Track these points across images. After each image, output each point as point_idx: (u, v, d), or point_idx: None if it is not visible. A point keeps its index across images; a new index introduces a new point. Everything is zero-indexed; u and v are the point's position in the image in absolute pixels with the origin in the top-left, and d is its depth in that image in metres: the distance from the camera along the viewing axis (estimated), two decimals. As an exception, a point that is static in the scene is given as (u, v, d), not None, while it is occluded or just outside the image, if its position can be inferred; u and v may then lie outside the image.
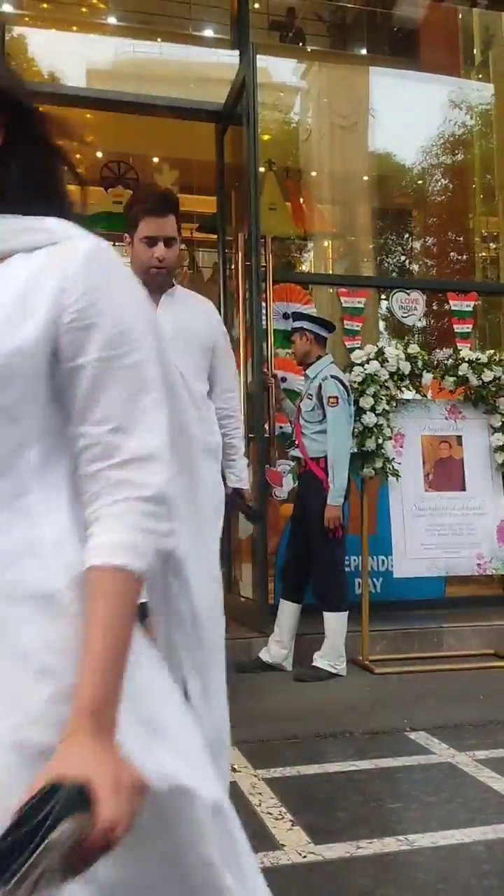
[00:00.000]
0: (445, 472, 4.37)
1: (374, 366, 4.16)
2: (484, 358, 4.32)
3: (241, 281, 5.19)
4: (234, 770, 2.73)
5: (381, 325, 8.56)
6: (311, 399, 4.06)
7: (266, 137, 10.86)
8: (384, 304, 9.59)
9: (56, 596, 0.82)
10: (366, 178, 10.39)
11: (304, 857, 2.11)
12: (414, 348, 4.25)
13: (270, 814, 2.37)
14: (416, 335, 6.13)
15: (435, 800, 2.51)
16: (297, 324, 4.20)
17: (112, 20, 10.21)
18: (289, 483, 4.80)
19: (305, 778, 2.68)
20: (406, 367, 4.20)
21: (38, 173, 0.95)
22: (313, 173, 10.30)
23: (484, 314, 8.00)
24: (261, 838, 2.21)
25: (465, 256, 10.65)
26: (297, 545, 4.15)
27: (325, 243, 10.53)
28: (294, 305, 4.97)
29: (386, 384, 4.19)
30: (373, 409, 4.13)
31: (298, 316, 4.28)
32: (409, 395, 4.38)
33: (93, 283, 0.87)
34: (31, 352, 0.84)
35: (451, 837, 2.22)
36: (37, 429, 0.86)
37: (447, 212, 11.04)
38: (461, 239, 10.81)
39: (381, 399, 4.15)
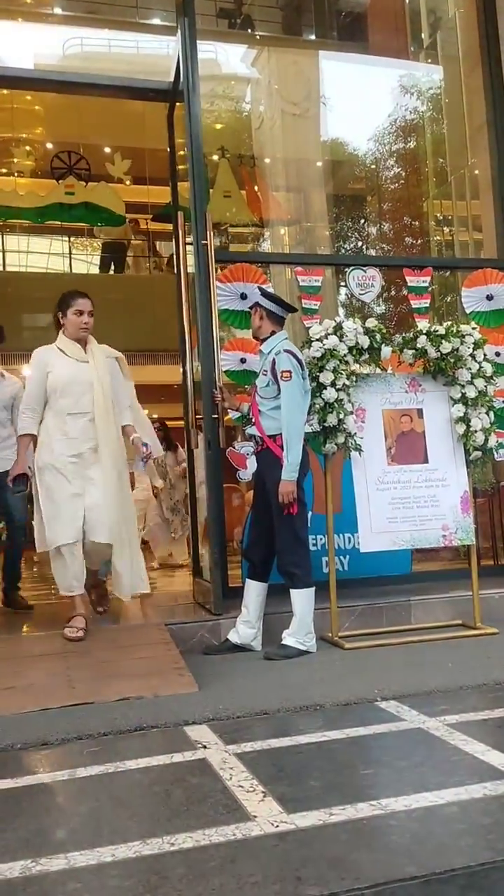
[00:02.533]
0: (408, 446, 4.35)
1: (332, 340, 4.13)
2: (441, 330, 4.32)
3: (183, 260, 5.12)
4: (203, 747, 2.68)
5: (342, 311, 8.57)
6: (265, 375, 4.01)
7: (218, 126, 10.82)
8: (343, 290, 9.63)
9: None
10: (319, 164, 10.37)
11: (277, 826, 2.06)
12: (372, 322, 4.22)
13: (241, 787, 2.32)
14: (374, 315, 6.12)
15: (407, 764, 2.48)
16: (254, 298, 4.15)
17: (58, 10, 10.05)
18: (253, 465, 4.75)
19: (276, 751, 2.63)
20: (365, 342, 4.18)
21: None
22: (267, 160, 10.25)
23: (439, 294, 8.05)
24: (232, 811, 2.16)
25: (419, 241, 10.71)
26: (260, 524, 4.10)
27: (282, 230, 10.51)
28: (250, 285, 4.91)
29: (345, 359, 4.15)
30: (333, 385, 4.10)
31: (262, 291, 4.23)
32: (367, 369, 4.36)
33: None
34: None
35: (424, 800, 2.18)
36: None
37: (401, 196, 11.08)
38: (416, 223, 10.86)
39: (341, 374, 4.12)
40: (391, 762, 2.53)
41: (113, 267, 11.51)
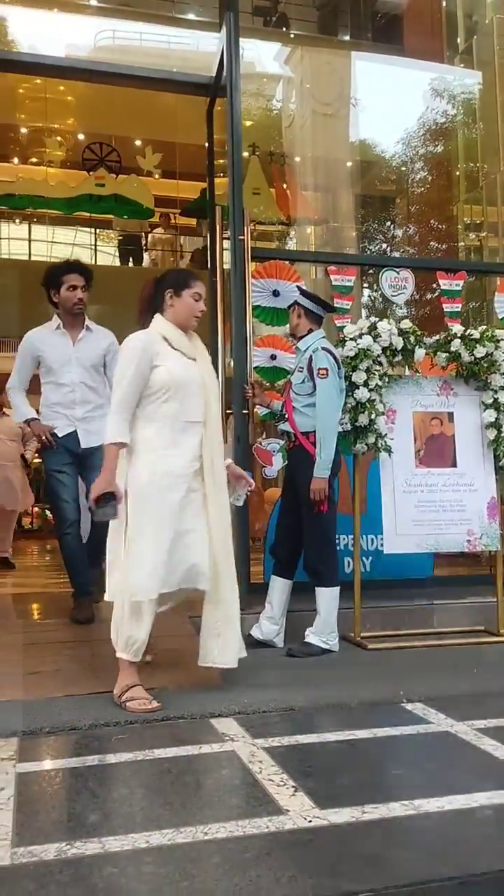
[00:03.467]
0: (437, 449, 4.34)
1: (366, 340, 4.12)
2: (476, 334, 4.30)
3: (220, 256, 5.11)
4: (231, 739, 2.68)
5: (364, 313, 8.55)
6: (301, 372, 4.01)
7: (248, 123, 10.80)
8: (366, 291, 9.59)
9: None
10: (349, 164, 10.35)
11: (310, 821, 2.06)
12: (406, 323, 4.20)
13: (272, 780, 2.32)
14: (405, 316, 6.10)
15: (437, 767, 2.48)
16: (294, 296, 4.16)
17: (93, 1, 10.07)
18: (278, 462, 4.74)
19: (305, 747, 2.63)
20: (399, 343, 4.16)
21: None
22: (297, 159, 10.24)
23: (470, 297, 8.01)
24: (264, 804, 2.16)
25: (446, 245, 10.67)
26: (288, 521, 4.10)
27: (308, 229, 10.49)
28: (283, 283, 4.90)
29: (378, 359, 4.14)
30: (365, 384, 4.09)
31: (301, 291, 4.23)
32: (400, 371, 4.36)
33: None
34: None
35: (456, 802, 2.18)
36: None
37: (430, 200, 11.04)
38: (444, 227, 10.83)
39: (374, 374, 4.11)
40: (421, 764, 2.52)
41: (131, 260, 11.54)
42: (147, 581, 2.97)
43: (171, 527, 3.03)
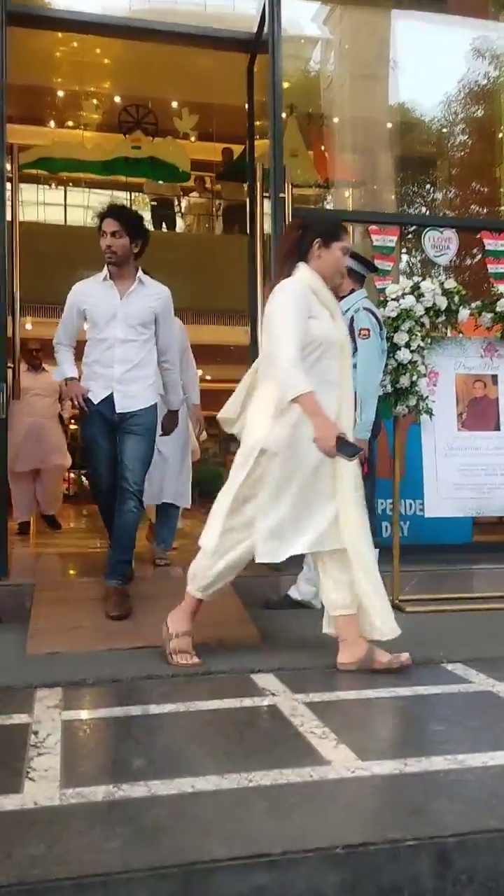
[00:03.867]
0: (479, 412, 4.27)
1: (409, 301, 4.05)
2: (522, 294, 4.20)
3: (260, 218, 5.04)
4: (272, 694, 2.70)
5: (401, 278, 8.40)
6: (343, 333, 3.95)
7: (287, 85, 10.60)
8: (403, 256, 9.42)
9: None
10: (388, 125, 10.11)
11: (353, 772, 2.07)
12: (451, 283, 4.12)
13: (314, 733, 2.33)
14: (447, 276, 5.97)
15: (479, 724, 2.47)
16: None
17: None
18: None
19: (346, 702, 2.64)
20: (442, 303, 4.09)
21: None
22: (335, 120, 10.03)
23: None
24: (307, 754, 2.17)
25: (488, 209, 10.41)
26: (327, 484, 4.07)
27: (346, 192, 10.31)
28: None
29: (421, 320, 4.07)
30: (407, 346, 4.03)
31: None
32: (443, 332, 4.28)
33: None
34: None
35: (500, 758, 2.17)
36: None
37: (471, 162, 10.77)
38: (486, 190, 10.57)
39: (416, 335, 4.04)
40: (463, 721, 2.51)
41: (164, 225, 11.46)
42: (275, 543, 2.92)
43: (307, 488, 2.93)
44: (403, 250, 9.19)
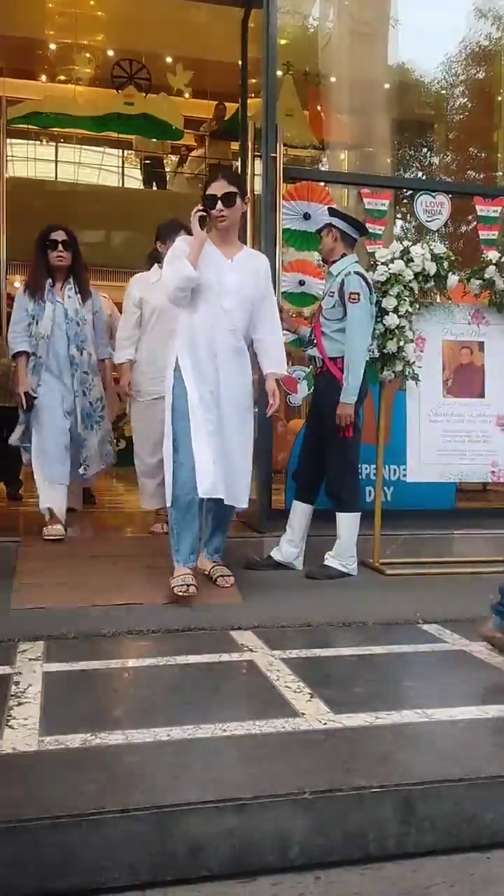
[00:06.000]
0: (465, 379, 4.30)
1: (398, 265, 4.04)
2: (511, 261, 4.20)
3: (251, 178, 4.99)
4: (249, 650, 2.76)
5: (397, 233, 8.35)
6: (332, 297, 3.95)
7: (283, 42, 10.39)
8: (398, 221, 9.35)
9: None
10: (386, 86, 9.95)
11: (325, 724, 2.13)
12: (440, 248, 4.11)
13: (289, 687, 2.39)
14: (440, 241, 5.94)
15: (451, 681, 2.54)
16: (327, 219, 4.07)
17: None
18: (303, 390, 4.73)
19: (321, 659, 2.70)
20: (432, 268, 4.08)
21: None
22: (332, 79, 9.85)
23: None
24: (280, 706, 2.23)
25: (485, 174, 10.32)
26: (311, 447, 4.10)
27: (342, 154, 10.17)
28: (315, 205, 4.79)
29: (410, 285, 4.07)
30: (395, 311, 4.03)
31: (333, 212, 4.13)
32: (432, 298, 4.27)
33: None
34: None
35: (469, 713, 2.24)
36: None
37: (469, 126, 10.65)
38: (483, 155, 10.45)
39: (405, 300, 4.05)
40: (435, 677, 2.58)
41: (154, 184, 11.30)
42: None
43: None
44: (398, 215, 9.12)
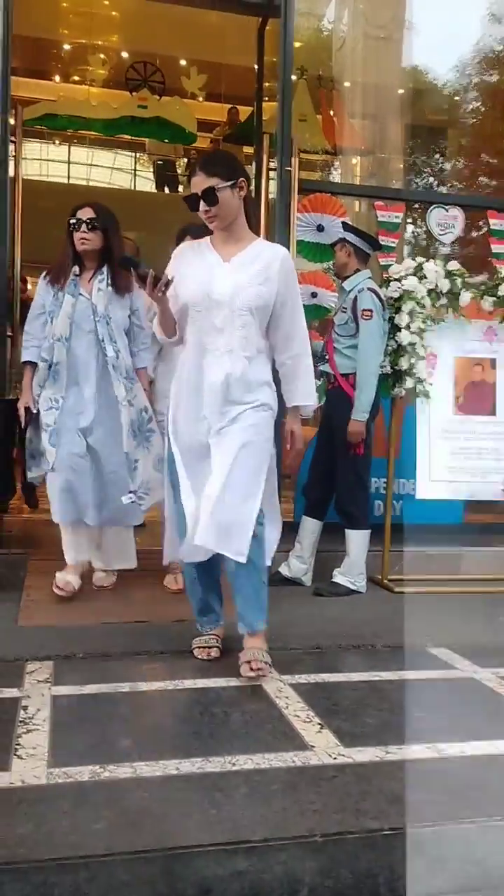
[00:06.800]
0: (476, 396, 4.27)
1: (411, 282, 4.02)
2: (526, 278, 4.17)
3: (266, 188, 4.98)
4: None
5: (406, 249, 8.31)
6: (345, 312, 3.94)
7: (298, 45, 10.34)
8: (409, 228, 9.32)
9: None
10: (400, 91, 9.91)
11: (335, 758, 2.12)
12: (454, 265, 4.09)
13: (298, 717, 2.38)
14: (451, 255, 5.93)
15: (460, 712, 2.52)
16: (340, 233, 4.05)
17: None
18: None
19: (330, 685, 2.69)
20: (445, 285, 4.06)
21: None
22: (346, 84, 9.81)
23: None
24: (290, 738, 2.22)
25: (497, 181, 10.27)
26: (322, 462, 4.09)
27: (354, 160, 10.14)
28: (328, 217, 4.77)
29: (422, 301, 4.05)
30: (408, 327, 4.01)
31: (346, 227, 4.12)
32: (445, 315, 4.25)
33: None
34: None
35: (480, 749, 2.22)
36: None
37: (484, 132, 10.60)
38: (496, 162, 10.41)
39: (417, 317, 4.02)
40: (444, 708, 2.57)
41: (167, 187, 11.28)
42: None
43: None
44: (409, 220, 9.08)
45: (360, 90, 9.68)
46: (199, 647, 2.90)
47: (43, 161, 11.11)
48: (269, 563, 2.88)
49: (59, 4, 9.24)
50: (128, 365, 3.48)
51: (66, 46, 9.79)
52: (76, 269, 3.46)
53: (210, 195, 2.68)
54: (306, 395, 2.89)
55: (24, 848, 1.63)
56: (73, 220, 3.44)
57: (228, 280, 2.71)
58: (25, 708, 2.36)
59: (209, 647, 2.89)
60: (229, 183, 2.70)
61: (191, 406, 2.76)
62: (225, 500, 2.61)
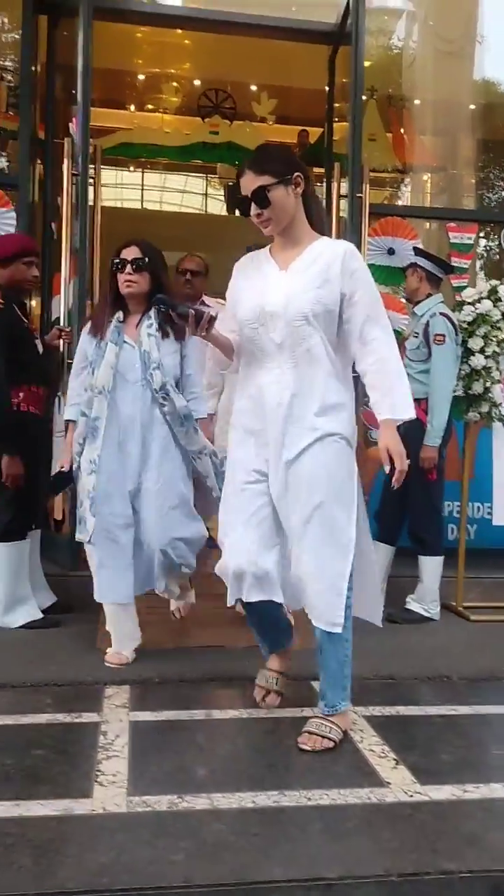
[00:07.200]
0: None
1: (486, 305, 3.97)
2: None
3: (336, 213, 5.01)
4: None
5: (478, 263, 8.20)
6: (417, 337, 3.93)
7: (367, 64, 10.37)
8: (482, 240, 9.19)
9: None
10: (472, 107, 9.81)
11: (411, 796, 2.10)
12: (530, 287, 4.02)
13: (373, 751, 2.37)
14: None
15: (540, 750, 2.47)
16: (411, 257, 4.05)
17: None
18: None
19: (406, 718, 2.67)
20: (521, 308, 4.00)
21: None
22: (416, 101, 9.78)
23: None
24: (365, 774, 2.22)
25: None
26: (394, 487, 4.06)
27: (425, 176, 10.08)
28: (399, 241, 4.78)
29: (497, 325, 4.00)
30: (482, 351, 3.96)
31: (418, 251, 4.11)
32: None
33: None
34: None
35: None
36: None
37: None
38: None
39: (492, 340, 3.97)
40: (523, 745, 2.51)
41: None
42: None
43: None
44: (481, 235, 8.96)
45: (431, 106, 9.63)
46: (259, 686, 2.70)
47: (118, 187, 11.44)
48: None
49: (133, 36, 9.53)
50: (185, 415, 3.07)
51: (141, 76, 10.08)
52: (120, 314, 3.11)
53: (261, 196, 2.37)
54: (396, 405, 2.35)
55: (107, 877, 1.68)
56: (116, 261, 3.07)
57: (283, 289, 2.40)
58: (105, 734, 2.42)
59: (267, 690, 2.68)
60: (282, 180, 2.37)
61: (251, 434, 2.47)
62: (310, 566, 2.35)
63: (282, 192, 2.38)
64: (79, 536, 3.11)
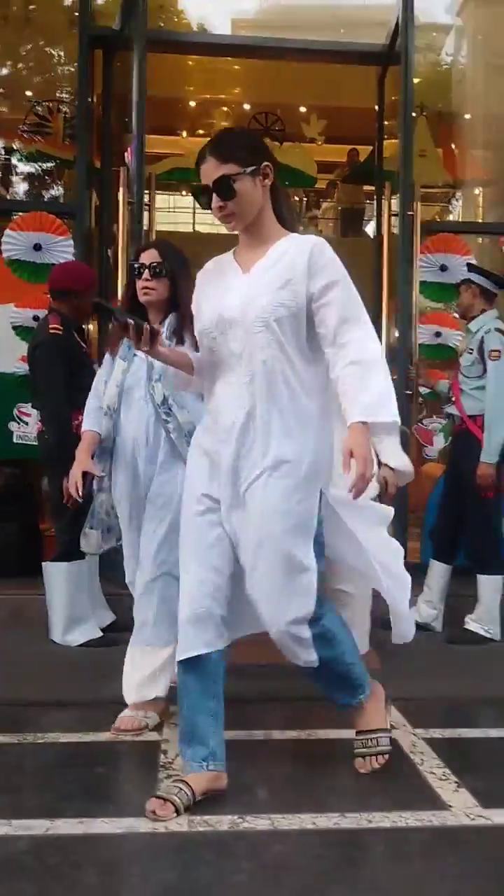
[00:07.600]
0: None
1: (541, 320, 3.93)
2: None
3: (388, 230, 5.02)
4: (391, 727, 2.71)
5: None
6: (471, 353, 3.90)
7: (417, 80, 10.39)
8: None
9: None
10: (523, 120, 9.73)
11: (473, 820, 2.07)
12: None
13: (434, 774, 2.34)
14: None
15: None
16: (465, 274, 4.04)
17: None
18: (440, 441, 4.67)
19: (467, 741, 2.63)
20: None
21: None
22: (467, 116, 9.75)
23: None
24: (427, 797, 2.20)
25: None
26: (450, 505, 4.03)
27: (477, 190, 10.02)
28: (452, 257, 4.76)
29: None
30: (538, 367, 3.91)
31: (472, 267, 4.10)
32: None
33: None
34: None
35: None
36: None
37: None
38: None
39: (548, 356, 3.92)
40: None
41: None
42: None
43: None
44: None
45: (482, 120, 9.60)
46: (155, 798, 2.06)
47: (171, 211, 11.64)
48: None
49: (185, 64, 9.75)
50: (189, 431, 2.57)
51: (192, 103, 10.28)
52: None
53: (224, 186, 2.07)
54: (368, 406, 1.99)
55: None
56: (136, 266, 2.73)
57: (244, 290, 2.12)
58: (165, 752, 2.45)
59: (165, 802, 2.03)
60: (249, 169, 2.09)
61: (206, 454, 2.22)
62: (265, 613, 2.19)
63: (248, 182, 2.09)
64: (85, 547, 2.99)
